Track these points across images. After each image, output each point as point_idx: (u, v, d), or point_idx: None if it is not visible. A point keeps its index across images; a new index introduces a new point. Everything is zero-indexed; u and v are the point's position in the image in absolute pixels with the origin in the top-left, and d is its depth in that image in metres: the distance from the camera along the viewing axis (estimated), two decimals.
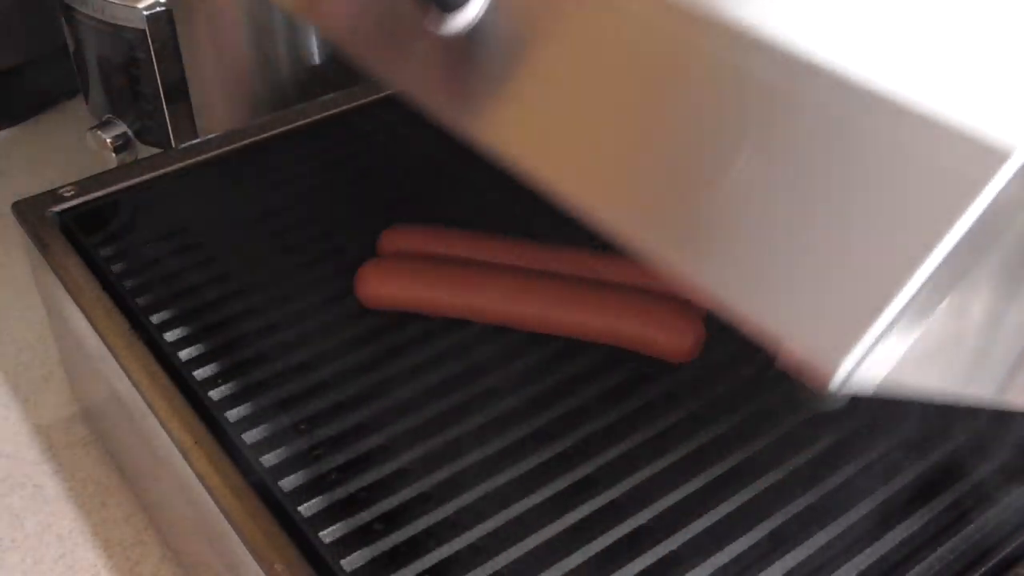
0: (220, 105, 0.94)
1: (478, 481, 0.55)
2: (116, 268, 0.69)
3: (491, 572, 0.50)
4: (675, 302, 0.61)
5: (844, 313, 0.29)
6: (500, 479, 0.55)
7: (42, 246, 0.70)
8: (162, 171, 0.76)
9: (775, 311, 0.31)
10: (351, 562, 0.51)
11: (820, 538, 0.51)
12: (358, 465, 0.56)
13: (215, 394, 0.60)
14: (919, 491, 0.54)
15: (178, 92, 0.91)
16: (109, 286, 0.67)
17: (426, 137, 0.82)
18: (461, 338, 0.64)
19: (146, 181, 0.75)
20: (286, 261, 0.70)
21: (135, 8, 0.87)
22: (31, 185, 1.08)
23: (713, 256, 0.33)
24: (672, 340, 0.60)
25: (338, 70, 0.96)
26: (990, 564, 0.50)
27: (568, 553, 0.51)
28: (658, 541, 0.51)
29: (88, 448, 0.80)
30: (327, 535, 0.52)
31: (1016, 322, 0.33)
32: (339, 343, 0.64)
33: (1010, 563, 0.51)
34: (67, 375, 0.84)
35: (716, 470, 0.55)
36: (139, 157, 0.95)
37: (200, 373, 0.61)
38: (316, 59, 0.94)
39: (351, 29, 0.48)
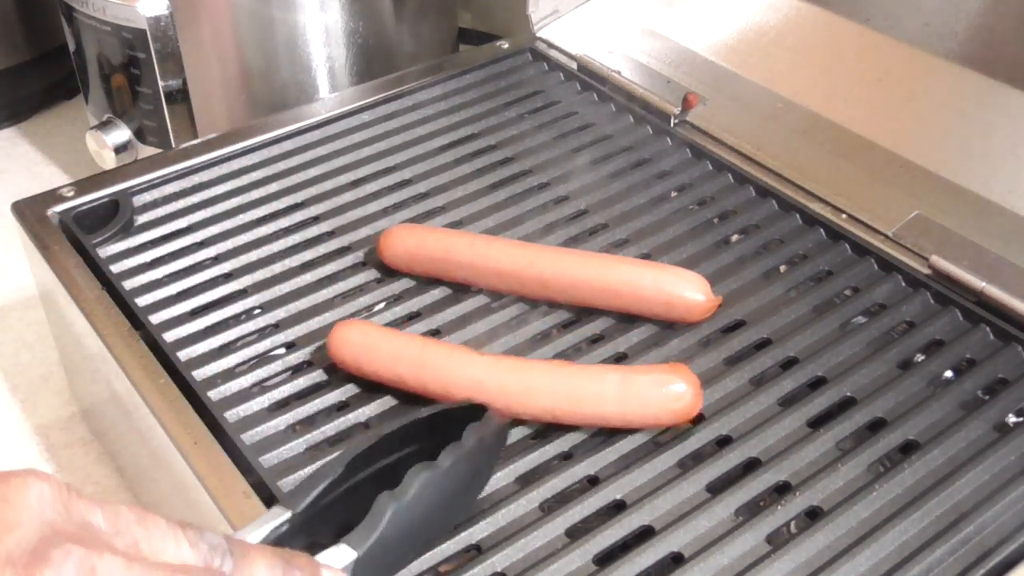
0: (220, 105, 0.94)
1: None
2: (116, 268, 0.69)
3: (491, 572, 0.50)
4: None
5: None
6: (500, 480, 0.55)
7: (42, 246, 0.70)
8: (162, 171, 0.76)
9: None
10: None
11: (820, 538, 0.51)
12: None
13: (215, 394, 0.60)
14: (918, 491, 0.54)
15: (178, 92, 0.91)
16: (109, 286, 0.67)
17: (424, 139, 0.82)
18: (460, 339, 0.64)
19: (146, 181, 0.75)
20: (287, 261, 0.70)
21: (135, 8, 0.87)
22: (31, 185, 1.08)
23: None
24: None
25: (337, 70, 0.96)
26: (990, 565, 0.50)
27: (568, 553, 0.51)
28: (658, 541, 0.51)
29: (87, 448, 0.80)
30: None
31: None
32: None
33: (1010, 564, 0.51)
34: (67, 375, 0.84)
35: (716, 470, 0.55)
36: (139, 157, 0.95)
37: (200, 373, 0.61)
38: (315, 60, 0.94)
39: None
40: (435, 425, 0.49)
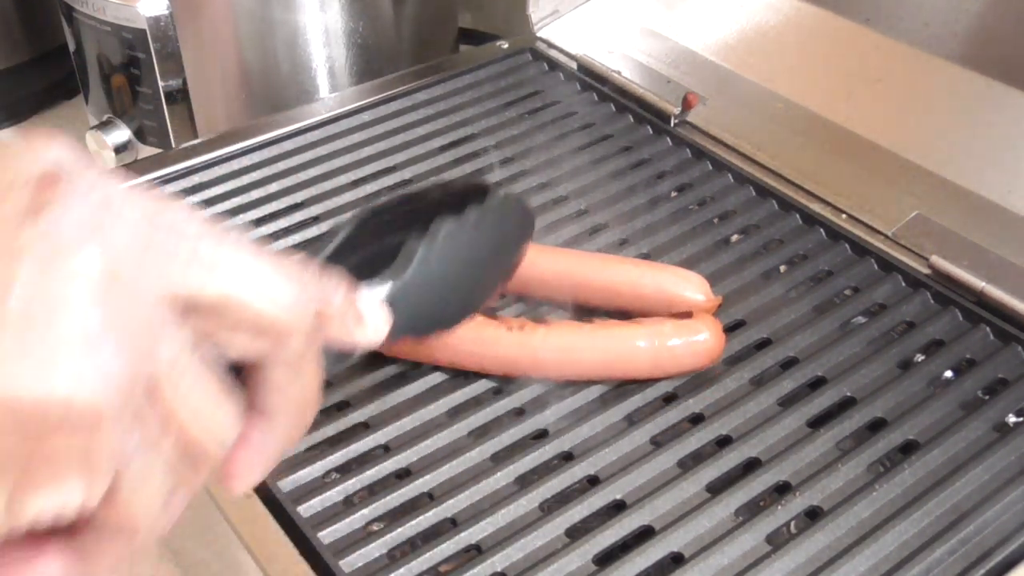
0: (220, 105, 0.94)
1: (478, 481, 0.55)
2: None
3: (491, 572, 0.50)
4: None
5: None
6: (500, 480, 0.55)
7: None
8: (162, 171, 0.76)
9: None
10: (350, 562, 0.51)
11: (820, 538, 0.51)
12: (358, 465, 0.56)
13: None
14: (918, 491, 0.54)
15: (178, 92, 0.91)
16: None
17: (424, 139, 0.82)
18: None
19: (146, 181, 0.75)
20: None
21: (135, 8, 0.87)
22: None
23: None
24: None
25: (337, 71, 0.96)
26: (990, 565, 0.50)
27: (568, 553, 0.51)
28: (658, 541, 0.51)
29: None
30: (326, 535, 0.52)
31: None
32: None
33: (1010, 564, 0.51)
34: None
35: (716, 470, 0.55)
36: (139, 157, 0.95)
37: None
38: (315, 60, 0.94)
39: None
40: (444, 205, 0.47)
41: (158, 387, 0.31)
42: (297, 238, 0.72)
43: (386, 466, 0.56)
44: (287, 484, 0.55)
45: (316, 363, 0.37)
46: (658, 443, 0.57)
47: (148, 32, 0.88)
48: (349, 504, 0.54)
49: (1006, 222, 0.68)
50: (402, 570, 0.50)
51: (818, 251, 0.70)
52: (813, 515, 0.53)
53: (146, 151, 0.95)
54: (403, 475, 0.56)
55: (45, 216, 0.29)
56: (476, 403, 0.60)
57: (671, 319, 0.60)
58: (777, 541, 0.52)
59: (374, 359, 0.62)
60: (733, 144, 0.79)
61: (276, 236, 0.72)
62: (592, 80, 0.86)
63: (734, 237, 0.72)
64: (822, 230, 0.71)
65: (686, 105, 0.81)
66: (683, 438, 0.57)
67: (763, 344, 0.63)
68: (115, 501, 0.31)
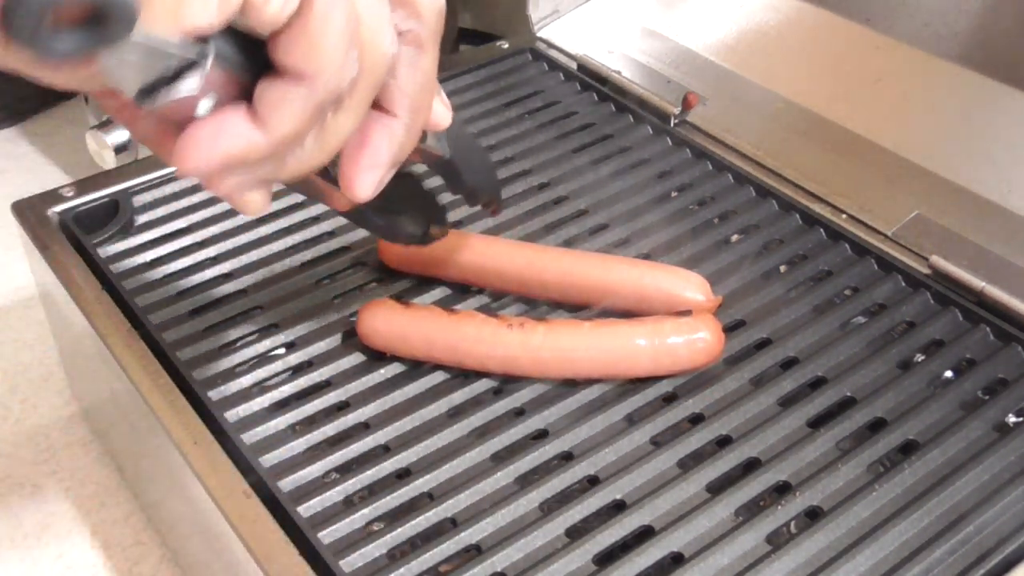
0: None
1: (478, 481, 0.55)
2: (116, 268, 0.69)
3: (491, 572, 0.50)
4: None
5: None
6: (500, 480, 0.55)
7: (42, 246, 0.70)
8: (162, 171, 0.76)
9: None
10: (350, 562, 0.51)
11: (820, 538, 0.51)
12: (358, 465, 0.56)
13: (215, 394, 0.60)
14: (918, 491, 0.54)
15: None
16: (109, 286, 0.67)
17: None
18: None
19: (146, 181, 0.75)
20: (287, 261, 0.70)
21: None
22: (31, 185, 1.08)
23: None
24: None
25: None
26: (990, 565, 0.50)
27: (568, 553, 0.51)
28: (658, 541, 0.51)
29: (87, 448, 0.80)
30: (326, 535, 0.52)
31: None
32: (339, 344, 0.64)
33: (1010, 564, 0.51)
34: (67, 375, 0.84)
35: (716, 470, 0.55)
36: (139, 157, 0.95)
37: (200, 373, 0.61)
38: None
39: None
40: None
41: None
42: (298, 237, 0.72)
43: (386, 466, 0.56)
44: (287, 484, 0.55)
45: (433, 62, 0.42)
46: (658, 443, 0.57)
47: None
48: (349, 504, 0.54)
49: (1006, 222, 0.68)
50: (402, 570, 0.50)
51: (818, 251, 0.70)
52: (813, 515, 0.53)
53: (146, 151, 0.95)
54: (403, 475, 0.56)
55: None
56: (476, 403, 0.60)
57: (671, 318, 0.60)
58: (777, 541, 0.52)
59: (374, 359, 0.62)
60: (733, 144, 0.79)
61: (277, 235, 0.72)
62: (592, 80, 0.86)
63: (734, 237, 0.72)
64: (822, 230, 0.71)
65: (686, 105, 0.81)
66: (683, 438, 0.57)
67: (763, 344, 0.63)
68: (304, 25, 0.36)
